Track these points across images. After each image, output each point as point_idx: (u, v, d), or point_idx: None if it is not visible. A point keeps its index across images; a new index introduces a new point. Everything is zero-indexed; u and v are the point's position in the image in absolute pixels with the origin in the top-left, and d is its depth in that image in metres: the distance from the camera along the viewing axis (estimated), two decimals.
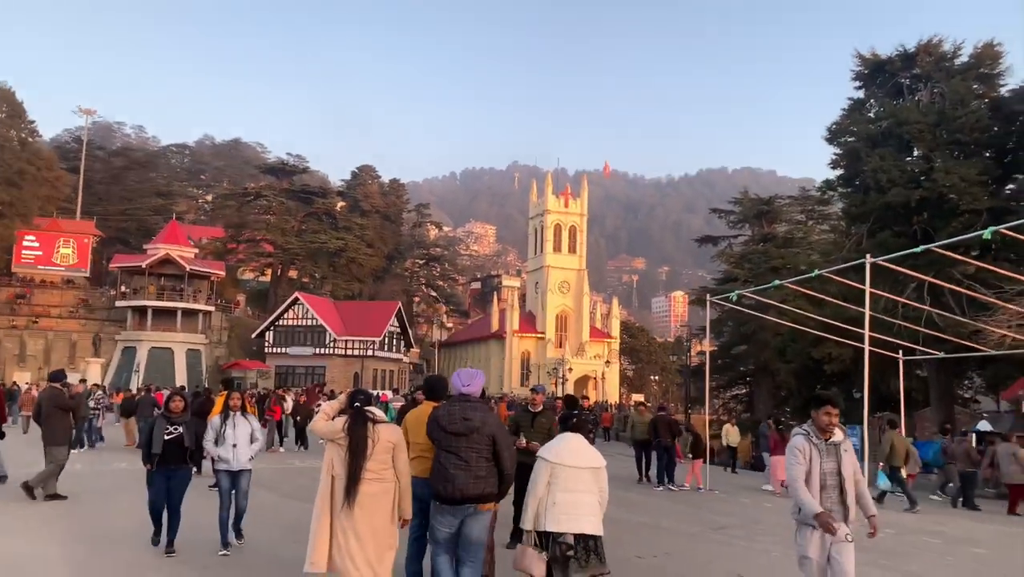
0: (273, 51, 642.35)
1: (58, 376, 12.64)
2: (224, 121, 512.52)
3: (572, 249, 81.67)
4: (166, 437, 7.99)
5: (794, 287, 14.57)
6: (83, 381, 25.42)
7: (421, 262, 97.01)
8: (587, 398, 16.39)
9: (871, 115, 27.96)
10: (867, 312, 11.69)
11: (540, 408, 8.85)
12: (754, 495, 17.11)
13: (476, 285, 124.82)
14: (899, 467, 15.61)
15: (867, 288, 11.24)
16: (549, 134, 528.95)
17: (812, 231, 53.21)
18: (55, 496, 11.38)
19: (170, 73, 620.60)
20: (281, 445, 22.47)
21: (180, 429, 8.12)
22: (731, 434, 24.12)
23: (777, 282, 13.72)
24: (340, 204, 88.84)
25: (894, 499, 16.30)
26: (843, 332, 18.63)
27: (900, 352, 18.26)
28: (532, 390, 9.50)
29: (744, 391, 61.30)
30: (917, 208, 25.55)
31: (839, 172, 28.53)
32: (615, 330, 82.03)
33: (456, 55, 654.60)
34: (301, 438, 22.90)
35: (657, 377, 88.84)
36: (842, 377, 29.56)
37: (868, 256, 11.32)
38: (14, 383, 40.25)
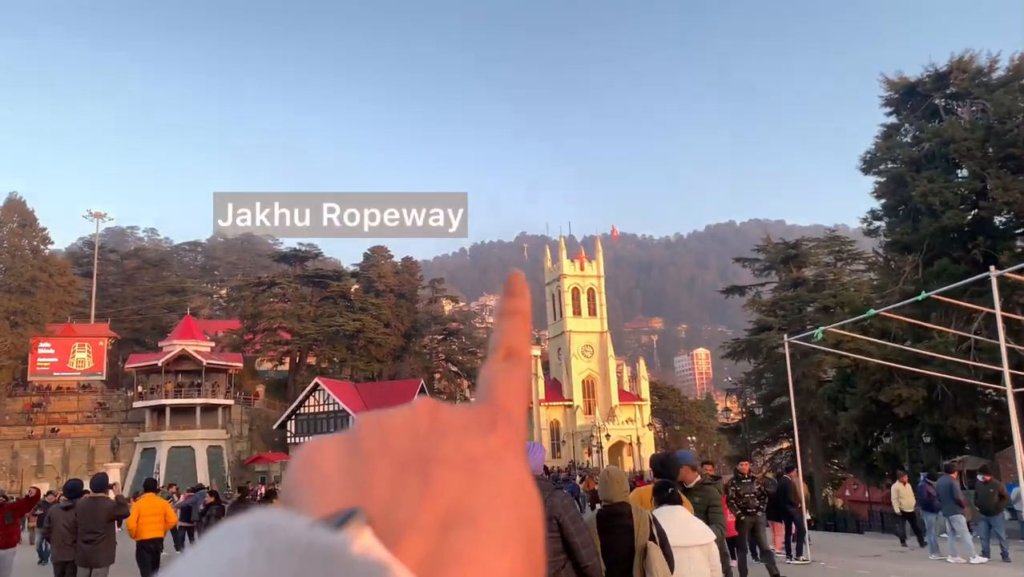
0: (271, 141, 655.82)
1: (101, 482, 10.84)
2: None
3: (592, 312, 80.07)
4: None
5: (892, 315, 12.89)
6: (112, 485, 23.73)
7: (439, 338, 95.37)
8: (748, 461, 14.96)
9: (908, 139, 26.69)
10: (1002, 341, 9.85)
11: (693, 483, 7.01)
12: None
13: None
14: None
15: (998, 310, 9.39)
16: (554, 204, 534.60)
17: (842, 272, 51.68)
18: None
19: (176, 175, 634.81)
20: None
21: None
22: (905, 495, 18.31)
23: (872, 311, 12.05)
24: (354, 286, 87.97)
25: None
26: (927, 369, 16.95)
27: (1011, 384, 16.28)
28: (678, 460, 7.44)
29: (788, 445, 58.78)
30: (972, 232, 24.03)
31: (882, 201, 27.08)
32: (645, 392, 79.59)
33: (454, 129, 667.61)
34: None
35: (694, 437, 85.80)
36: (911, 421, 27.41)
37: (992, 268, 9.63)
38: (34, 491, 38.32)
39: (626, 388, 79.94)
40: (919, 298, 10.82)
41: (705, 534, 5.03)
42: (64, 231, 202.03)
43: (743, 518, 11.87)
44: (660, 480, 6.01)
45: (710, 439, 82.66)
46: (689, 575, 4.81)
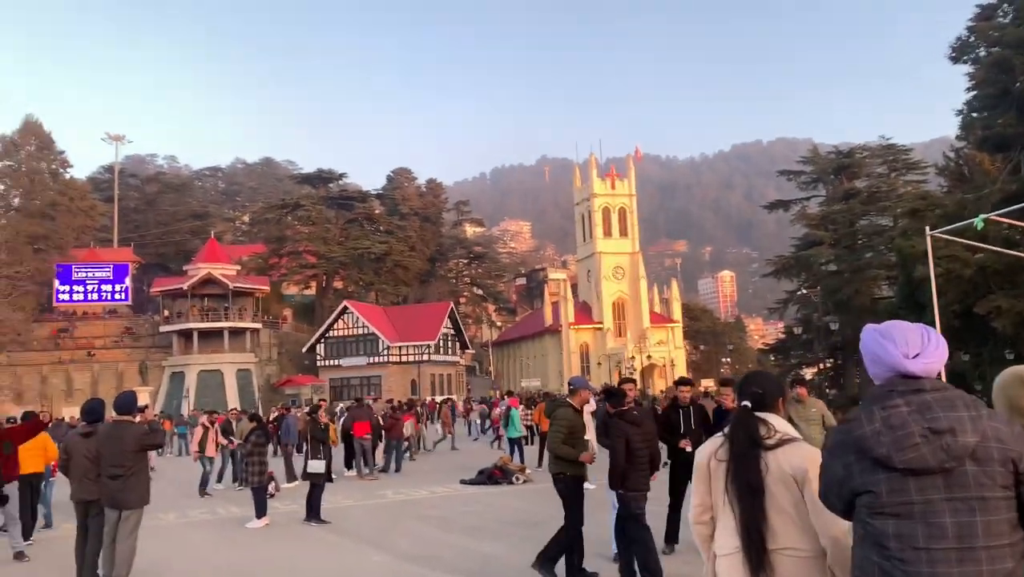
0: (285, 65, 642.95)
1: (128, 403, 8.04)
2: (252, 143, 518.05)
3: (623, 232, 77.68)
4: None
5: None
6: (145, 407, 22.18)
7: (465, 261, 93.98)
8: None
9: (1007, 20, 23.62)
10: None
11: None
12: None
13: (521, 281, 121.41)
14: None
15: None
16: (575, 125, 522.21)
17: (896, 182, 48.83)
18: None
19: (192, 101, 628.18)
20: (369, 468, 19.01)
21: None
22: None
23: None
24: (378, 209, 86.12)
25: None
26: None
27: None
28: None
29: (828, 365, 56.58)
30: None
31: (974, 93, 24.23)
32: (677, 313, 77.79)
33: (471, 53, 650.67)
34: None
35: (728, 359, 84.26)
36: (1009, 340, 24.69)
37: None
38: (60, 418, 37.56)
39: (657, 310, 78.24)
40: None
41: None
42: (83, 158, 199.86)
43: None
44: None
45: (744, 360, 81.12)
46: None
